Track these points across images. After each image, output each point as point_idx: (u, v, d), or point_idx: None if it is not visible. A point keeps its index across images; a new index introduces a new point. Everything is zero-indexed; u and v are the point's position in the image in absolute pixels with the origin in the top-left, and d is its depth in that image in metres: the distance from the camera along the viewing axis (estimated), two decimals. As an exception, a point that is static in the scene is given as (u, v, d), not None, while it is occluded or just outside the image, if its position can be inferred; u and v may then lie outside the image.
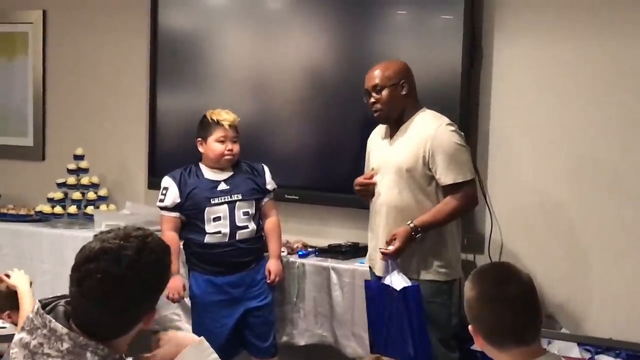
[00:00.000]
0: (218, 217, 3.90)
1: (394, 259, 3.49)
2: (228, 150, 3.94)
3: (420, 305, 3.45)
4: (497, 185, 4.10)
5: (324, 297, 4.10)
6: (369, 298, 3.65)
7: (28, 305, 3.09)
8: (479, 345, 2.11)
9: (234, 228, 3.89)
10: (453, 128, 3.58)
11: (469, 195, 3.59)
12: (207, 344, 2.01)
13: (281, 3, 4.68)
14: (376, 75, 3.61)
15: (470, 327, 2.11)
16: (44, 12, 5.38)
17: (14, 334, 1.94)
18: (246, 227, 3.92)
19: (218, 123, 3.95)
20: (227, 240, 3.89)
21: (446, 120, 3.59)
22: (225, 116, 3.97)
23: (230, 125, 3.94)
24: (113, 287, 1.82)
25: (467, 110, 4.04)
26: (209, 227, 3.89)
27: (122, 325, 1.89)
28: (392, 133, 3.68)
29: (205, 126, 3.98)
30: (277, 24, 4.60)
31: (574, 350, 3.62)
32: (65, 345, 1.82)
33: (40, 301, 1.91)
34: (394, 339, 3.49)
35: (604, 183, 3.88)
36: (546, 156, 4.01)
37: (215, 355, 1.99)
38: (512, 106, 4.08)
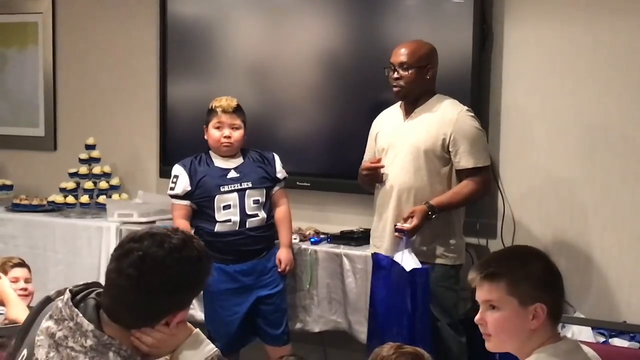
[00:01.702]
0: (228, 205, 3.89)
1: (408, 237, 3.48)
2: (225, 137, 3.92)
3: (426, 288, 3.45)
4: (510, 168, 4.09)
5: (337, 284, 4.10)
6: (376, 271, 3.65)
7: (13, 310, 3.12)
8: (536, 324, 2.04)
9: (244, 216, 3.89)
10: (473, 114, 3.64)
11: (486, 180, 3.64)
12: (202, 335, 1.99)
13: (290, -11, 4.67)
14: (406, 52, 3.61)
15: (537, 305, 2.03)
16: (53, 2, 5.37)
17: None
18: (256, 215, 3.91)
19: (214, 109, 3.94)
20: (237, 228, 3.89)
21: (465, 107, 3.64)
22: (222, 102, 3.95)
23: (224, 111, 3.92)
24: (151, 267, 1.84)
25: (478, 93, 4.02)
26: (219, 215, 3.89)
27: (150, 314, 1.89)
28: (406, 113, 3.68)
29: (207, 113, 3.99)
30: (287, 11, 4.58)
31: (588, 334, 3.61)
32: (89, 342, 1.82)
33: (70, 290, 1.91)
34: (393, 316, 3.50)
35: (618, 165, 3.86)
36: (558, 139, 3.99)
37: (212, 346, 1.97)
38: (524, 88, 4.06)
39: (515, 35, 4.05)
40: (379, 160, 3.68)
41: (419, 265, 3.45)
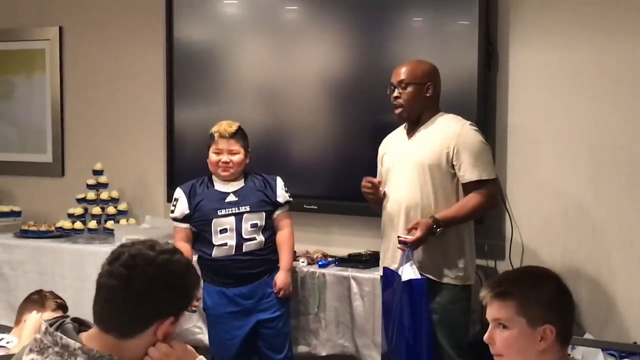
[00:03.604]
0: (225, 229, 3.89)
1: (411, 249, 3.46)
2: (223, 162, 3.92)
3: (424, 299, 3.43)
4: (517, 189, 4.08)
5: (345, 307, 4.08)
6: (384, 286, 3.65)
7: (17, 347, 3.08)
8: (544, 346, 2.05)
9: (240, 240, 3.88)
10: (476, 128, 3.63)
11: (492, 194, 3.60)
12: None
13: (296, 13, 4.68)
14: (404, 71, 3.63)
15: (546, 327, 2.04)
16: (61, 29, 5.41)
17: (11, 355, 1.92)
18: (254, 238, 3.90)
19: (213, 135, 3.97)
20: (233, 252, 3.89)
21: (468, 121, 3.64)
22: (220, 127, 3.97)
23: (221, 136, 3.93)
24: (141, 265, 1.85)
25: (484, 114, 4.02)
26: (216, 239, 3.90)
27: (138, 316, 1.87)
28: (409, 133, 3.68)
29: (209, 137, 4.01)
30: (292, 34, 4.60)
31: (599, 356, 3.58)
32: None
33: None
34: (398, 331, 3.49)
35: (626, 185, 3.85)
36: (566, 159, 3.98)
37: None
38: (530, 110, 4.05)
39: (521, 55, 4.05)
40: (380, 183, 3.68)
41: (417, 277, 3.43)
